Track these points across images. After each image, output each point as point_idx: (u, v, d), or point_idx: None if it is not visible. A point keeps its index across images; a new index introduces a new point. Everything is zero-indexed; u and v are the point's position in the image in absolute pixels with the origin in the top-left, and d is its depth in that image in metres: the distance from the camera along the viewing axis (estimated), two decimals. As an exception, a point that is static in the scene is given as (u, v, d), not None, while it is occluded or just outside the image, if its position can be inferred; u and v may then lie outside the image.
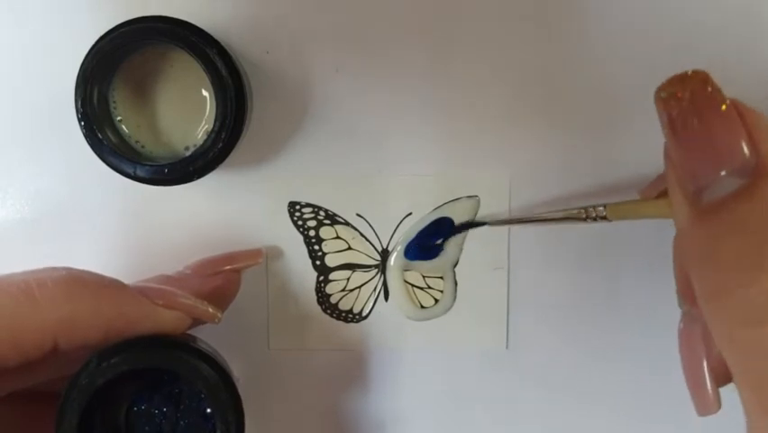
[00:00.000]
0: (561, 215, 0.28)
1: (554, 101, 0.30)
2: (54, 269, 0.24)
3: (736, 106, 0.19)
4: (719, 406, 0.24)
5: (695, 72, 0.19)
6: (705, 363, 0.24)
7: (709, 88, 0.19)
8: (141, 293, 0.25)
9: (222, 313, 0.27)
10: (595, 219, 0.26)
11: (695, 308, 0.24)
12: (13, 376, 0.24)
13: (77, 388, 0.23)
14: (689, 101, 0.19)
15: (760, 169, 0.18)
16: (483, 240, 0.31)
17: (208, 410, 0.26)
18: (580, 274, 0.31)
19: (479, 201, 0.31)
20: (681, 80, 0.19)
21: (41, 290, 0.23)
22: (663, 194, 0.24)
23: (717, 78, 0.29)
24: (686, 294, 0.25)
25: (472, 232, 0.31)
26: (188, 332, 0.27)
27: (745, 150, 0.18)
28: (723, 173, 0.18)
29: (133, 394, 0.26)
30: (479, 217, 0.31)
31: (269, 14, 0.30)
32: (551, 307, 0.32)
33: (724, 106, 0.19)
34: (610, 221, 0.26)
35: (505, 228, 0.31)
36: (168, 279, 0.29)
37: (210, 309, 0.26)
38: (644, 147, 0.30)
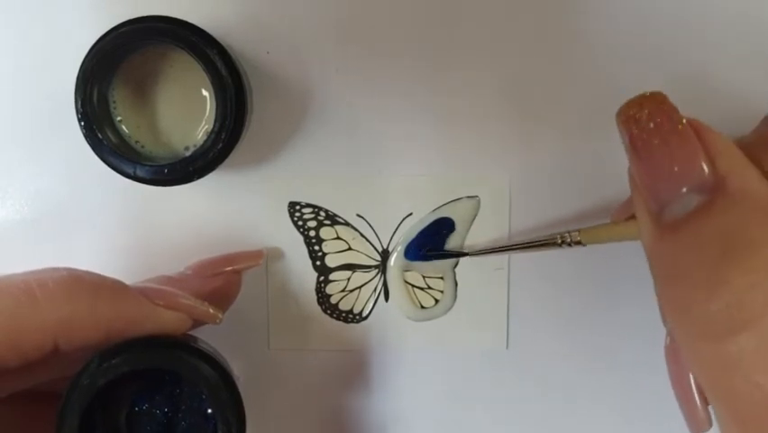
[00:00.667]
0: (537, 242, 0.28)
1: (555, 102, 0.30)
2: (55, 269, 0.24)
3: (692, 125, 0.19)
4: (711, 423, 0.24)
5: (652, 94, 0.20)
6: (692, 381, 0.24)
7: (666, 108, 0.19)
8: (141, 294, 0.25)
9: (222, 314, 0.27)
10: (570, 244, 0.27)
11: None
12: (13, 377, 0.24)
13: (78, 388, 0.23)
14: (647, 121, 0.19)
15: (718, 186, 0.18)
16: (483, 241, 0.31)
17: (209, 411, 0.26)
18: (580, 274, 0.31)
19: (479, 201, 0.31)
20: (639, 101, 0.20)
21: (42, 290, 0.23)
22: (633, 216, 0.24)
23: (717, 79, 0.30)
24: None
25: (472, 233, 0.31)
26: (189, 332, 0.27)
27: (704, 167, 0.19)
28: (684, 190, 0.19)
29: (134, 395, 0.26)
30: (478, 218, 0.31)
31: (269, 14, 0.30)
32: (551, 307, 0.32)
33: (680, 125, 0.19)
34: (585, 245, 0.26)
35: (505, 229, 0.31)
36: (168, 279, 0.29)
37: (211, 310, 0.26)
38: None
